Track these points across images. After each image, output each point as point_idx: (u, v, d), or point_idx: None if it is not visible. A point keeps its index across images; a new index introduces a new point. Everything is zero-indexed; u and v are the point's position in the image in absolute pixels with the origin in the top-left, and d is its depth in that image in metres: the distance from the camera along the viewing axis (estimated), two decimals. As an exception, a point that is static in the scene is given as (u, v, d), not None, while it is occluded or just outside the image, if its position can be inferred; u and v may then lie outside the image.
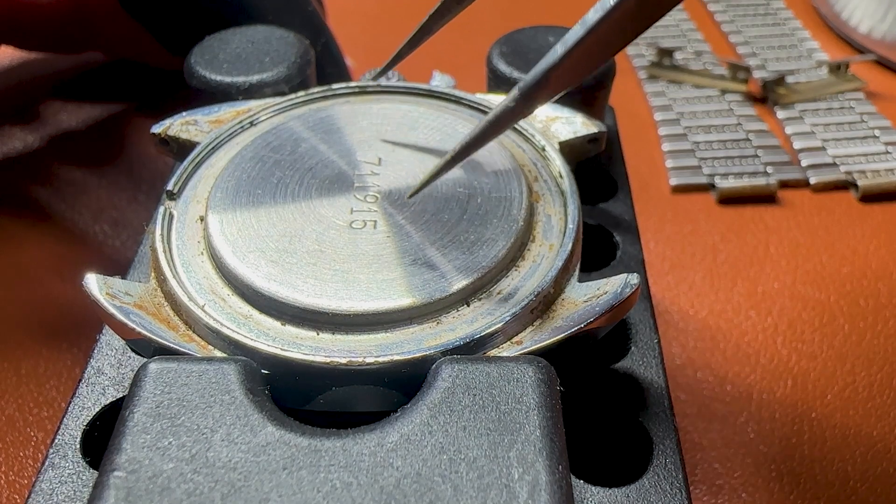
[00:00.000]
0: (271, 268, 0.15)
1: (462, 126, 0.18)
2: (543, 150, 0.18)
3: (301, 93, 0.19)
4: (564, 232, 0.16)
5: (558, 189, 0.17)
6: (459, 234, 0.15)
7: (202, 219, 0.16)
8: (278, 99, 0.19)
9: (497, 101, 0.19)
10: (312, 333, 0.14)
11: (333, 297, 0.14)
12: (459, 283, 0.15)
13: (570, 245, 0.15)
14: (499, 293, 0.15)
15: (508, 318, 0.14)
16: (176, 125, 0.18)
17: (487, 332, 0.14)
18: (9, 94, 0.36)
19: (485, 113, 0.19)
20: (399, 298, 0.14)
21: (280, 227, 0.16)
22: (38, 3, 0.33)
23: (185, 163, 0.17)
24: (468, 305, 0.15)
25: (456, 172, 0.17)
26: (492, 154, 0.17)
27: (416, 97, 0.20)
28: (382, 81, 0.20)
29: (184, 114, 0.19)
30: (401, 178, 0.17)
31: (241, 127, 0.19)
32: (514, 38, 0.21)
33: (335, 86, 0.20)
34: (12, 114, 0.35)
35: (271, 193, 0.16)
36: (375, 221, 0.16)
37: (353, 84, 0.20)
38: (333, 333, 0.14)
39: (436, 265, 0.15)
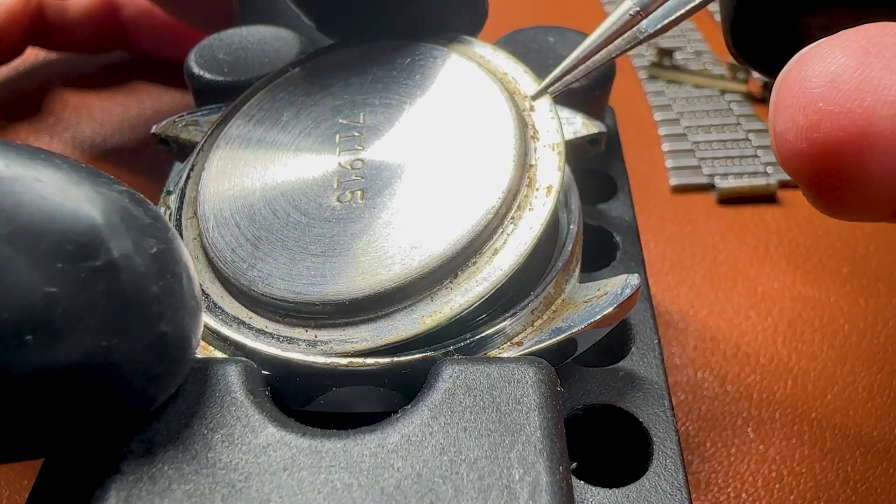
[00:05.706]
0: (263, 264, 0.15)
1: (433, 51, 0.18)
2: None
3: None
4: (566, 232, 0.16)
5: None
6: (450, 193, 0.15)
7: (196, 216, 0.16)
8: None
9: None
10: (311, 328, 0.14)
11: (329, 287, 0.14)
12: (449, 253, 0.14)
13: (570, 245, 0.15)
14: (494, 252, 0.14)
15: (508, 318, 0.14)
16: (176, 125, 0.18)
17: (488, 332, 0.14)
18: (27, 92, 0.36)
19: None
20: (392, 279, 0.14)
21: (270, 220, 0.15)
22: (70, 7, 0.33)
23: (185, 163, 0.17)
24: (456, 277, 0.14)
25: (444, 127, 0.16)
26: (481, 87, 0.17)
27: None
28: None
29: (184, 114, 0.19)
30: (384, 125, 0.16)
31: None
32: (514, 38, 0.21)
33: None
34: (34, 113, 0.35)
35: (259, 177, 0.16)
36: (363, 190, 0.15)
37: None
38: (333, 326, 0.14)
39: (426, 237, 0.14)
